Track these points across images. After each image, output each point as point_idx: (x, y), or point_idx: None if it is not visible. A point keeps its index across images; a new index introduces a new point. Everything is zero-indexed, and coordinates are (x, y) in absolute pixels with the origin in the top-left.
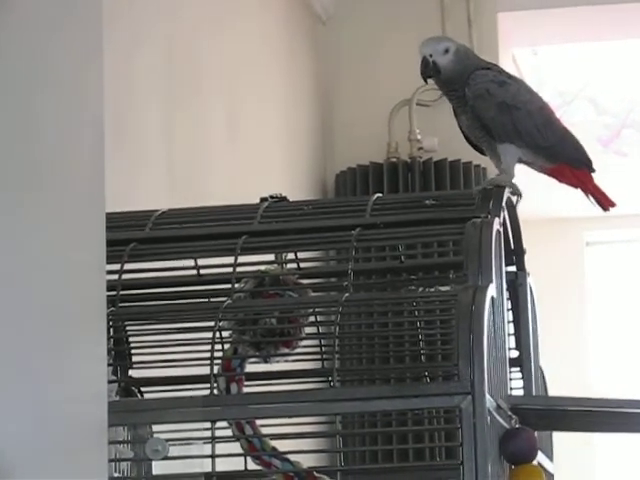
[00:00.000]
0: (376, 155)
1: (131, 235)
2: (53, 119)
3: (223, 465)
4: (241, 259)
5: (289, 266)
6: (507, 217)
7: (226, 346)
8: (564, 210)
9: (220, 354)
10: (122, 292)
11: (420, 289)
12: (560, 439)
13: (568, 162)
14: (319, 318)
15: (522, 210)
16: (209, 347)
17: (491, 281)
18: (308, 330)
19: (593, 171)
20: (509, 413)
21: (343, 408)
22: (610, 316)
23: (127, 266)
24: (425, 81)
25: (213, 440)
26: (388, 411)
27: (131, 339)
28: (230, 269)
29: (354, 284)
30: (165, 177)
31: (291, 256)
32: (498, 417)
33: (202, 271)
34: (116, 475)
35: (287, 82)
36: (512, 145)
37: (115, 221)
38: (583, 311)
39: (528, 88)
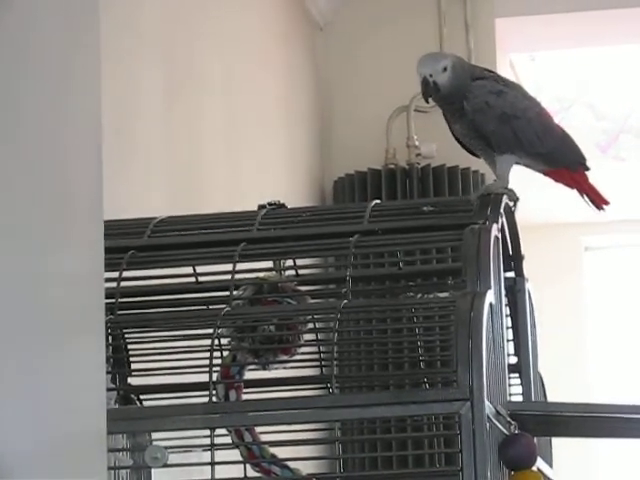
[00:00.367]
0: (374, 161)
1: (129, 243)
2: (50, 125)
3: (222, 472)
4: (239, 266)
5: (287, 273)
6: (505, 223)
7: (225, 353)
8: (562, 215)
9: (219, 361)
10: (121, 300)
11: (419, 295)
12: (559, 445)
13: (566, 166)
14: (318, 325)
15: (520, 216)
16: (208, 354)
17: (490, 287)
18: (307, 337)
19: (588, 169)
20: (508, 419)
21: (342, 415)
22: (609, 321)
23: (126, 274)
24: (426, 101)
25: (212, 447)
26: (387, 418)
27: (130, 347)
28: (229, 276)
29: (353, 291)
30: (164, 184)
31: (289, 263)
32: (497, 423)
33: (201, 278)
34: None
35: (285, 89)
36: (512, 155)
37: (113, 229)
38: (582, 316)
39: (524, 93)
